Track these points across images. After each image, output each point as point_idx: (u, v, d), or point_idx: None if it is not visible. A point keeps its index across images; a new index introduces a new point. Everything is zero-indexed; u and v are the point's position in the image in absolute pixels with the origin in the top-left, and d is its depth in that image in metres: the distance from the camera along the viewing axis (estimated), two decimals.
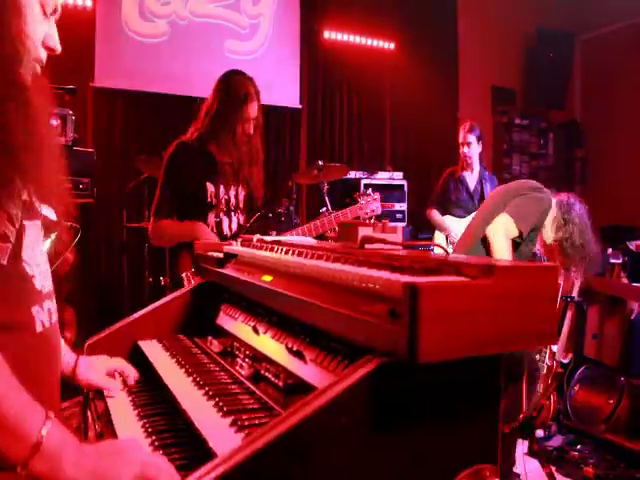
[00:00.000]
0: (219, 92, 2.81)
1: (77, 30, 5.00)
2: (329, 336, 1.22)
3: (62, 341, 1.57)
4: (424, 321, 0.91)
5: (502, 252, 2.72)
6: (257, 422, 1.14)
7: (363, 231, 1.41)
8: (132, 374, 1.63)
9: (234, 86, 2.81)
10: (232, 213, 2.87)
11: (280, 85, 6.05)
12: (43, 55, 1.24)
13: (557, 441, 3.83)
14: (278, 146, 6.17)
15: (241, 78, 2.85)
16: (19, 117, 1.08)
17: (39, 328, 1.19)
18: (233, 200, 2.87)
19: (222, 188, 2.82)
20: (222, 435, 1.11)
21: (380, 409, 0.95)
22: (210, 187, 2.79)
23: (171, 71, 5.66)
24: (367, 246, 1.40)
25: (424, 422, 1.00)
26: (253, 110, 2.81)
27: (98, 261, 5.26)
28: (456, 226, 4.75)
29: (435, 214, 4.94)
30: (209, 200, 2.79)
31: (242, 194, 2.92)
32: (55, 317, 1.29)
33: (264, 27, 6.22)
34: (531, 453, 3.68)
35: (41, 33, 1.21)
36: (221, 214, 2.83)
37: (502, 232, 2.75)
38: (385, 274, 1.06)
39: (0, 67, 1.06)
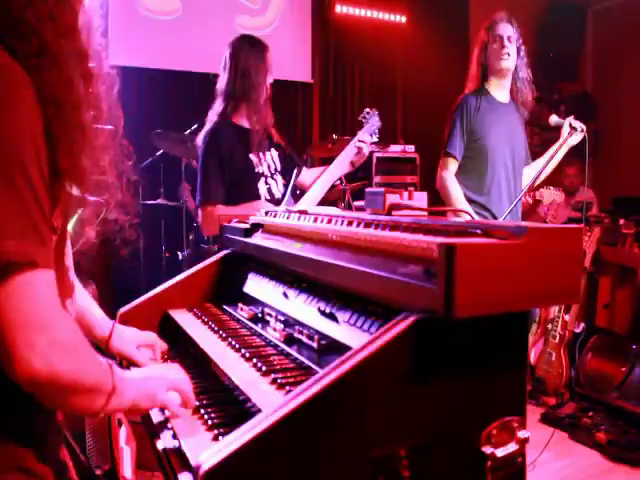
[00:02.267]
0: (239, 54, 2.86)
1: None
2: (361, 299, 1.28)
3: (98, 309, 1.63)
4: (459, 279, 0.96)
5: None
6: (295, 380, 1.20)
7: (390, 198, 1.46)
8: (161, 346, 1.66)
9: (251, 40, 2.93)
10: (274, 176, 2.94)
11: (292, 60, 6.05)
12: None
13: (569, 408, 3.90)
14: (290, 120, 6.19)
15: (250, 35, 3.02)
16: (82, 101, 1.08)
17: None
18: (272, 164, 2.94)
19: (260, 154, 2.89)
20: (263, 393, 1.17)
21: (417, 362, 1.01)
22: (253, 158, 2.85)
23: (183, 48, 5.67)
24: (394, 212, 1.45)
25: (457, 375, 1.06)
26: (271, 60, 2.91)
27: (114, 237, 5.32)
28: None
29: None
30: (257, 170, 2.85)
31: (276, 155, 2.98)
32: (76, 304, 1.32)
33: (275, 2, 6.20)
34: (544, 420, 3.77)
35: None
36: (268, 179, 2.91)
37: None
38: (419, 237, 1.11)
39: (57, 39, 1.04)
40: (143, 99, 5.57)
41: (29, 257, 0.93)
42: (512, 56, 3.25)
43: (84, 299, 1.54)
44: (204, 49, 5.68)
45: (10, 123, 0.94)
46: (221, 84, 2.91)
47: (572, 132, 3.11)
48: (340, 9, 6.54)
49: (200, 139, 2.89)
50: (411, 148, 6.06)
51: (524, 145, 3.43)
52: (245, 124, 2.89)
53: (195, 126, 4.68)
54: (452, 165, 3.26)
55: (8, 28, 0.99)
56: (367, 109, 3.23)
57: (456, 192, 3.18)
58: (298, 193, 2.98)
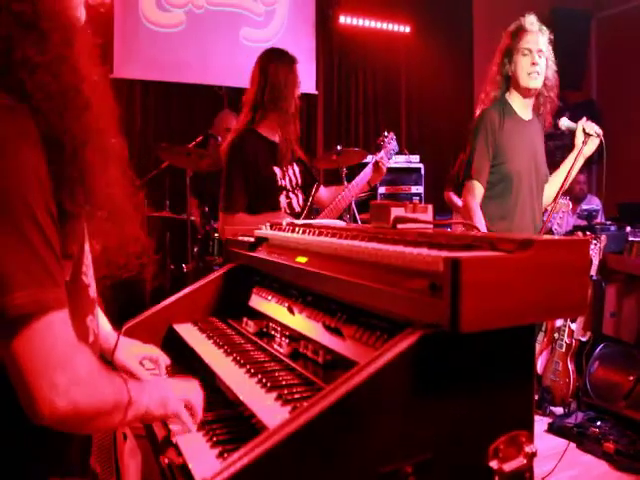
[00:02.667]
0: (268, 66, 2.86)
1: (95, 22, 5.04)
2: (366, 313, 1.27)
3: (106, 320, 1.63)
4: (465, 293, 0.95)
5: None
6: (300, 396, 1.19)
7: (395, 211, 1.45)
8: (164, 361, 1.65)
9: (280, 52, 2.94)
10: (296, 190, 2.95)
11: None
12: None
13: (577, 418, 3.86)
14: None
15: (279, 48, 3.01)
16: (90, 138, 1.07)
17: (91, 338, 1.22)
18: (293, 178, 2.95)
19: (284, 168, 2.90)
20: (269, 409, 1.16)
21: (423, 378, 1.00)
22: (277, 170, 2.86)
23: (188, 60, 5.71)
24: (399, 226, 1.44)
25: (464, 390, 1.05)
26: (299, 74, 2.93)
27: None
28: None
29: (452, 196, 4.96)
30: (279, 183, 2.86)
31: (297, 170, 2.99)
32: (98, 323, 1.32)
33: (280, 14, 6.24)
34: (551, 429, 3.74)
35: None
36: (289, 194, 2.91)
37: None
38: (424, 251, 1.11)
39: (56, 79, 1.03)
40: (148, 111, 5.61)
41: (42, 304, 0.94)
42: (542, 73, 3.00)
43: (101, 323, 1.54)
44: (209, 62, 5.72)
45: (15, 169, 0.94)
46: (249, 95, 2.92)
47: (587, 140, 2.91)
48: (344, 20, 6.56)
49: (225, 147, 2.90)
50: (416, 158, 6.06)
51: (545, 163, 3.20)
52: (271, 136, 2.89)
53: (200, 138, 4.70)
54: (479, 190, 2.95)
55: (8, 71, 0.99)
56: (385, 132, 3.30)
57: (482, 220, 2.90)
58: (315, 209, 3.00)
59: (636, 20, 6.83)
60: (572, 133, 2.99)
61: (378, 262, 1.23)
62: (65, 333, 0.99)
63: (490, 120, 2.97)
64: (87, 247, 1.22)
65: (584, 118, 2.98)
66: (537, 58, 2.98)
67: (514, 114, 3.05)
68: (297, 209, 2.93)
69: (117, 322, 1.81)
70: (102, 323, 1.59)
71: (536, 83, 3.00)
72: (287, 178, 2.91)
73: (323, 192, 3.10)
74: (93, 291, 1.26)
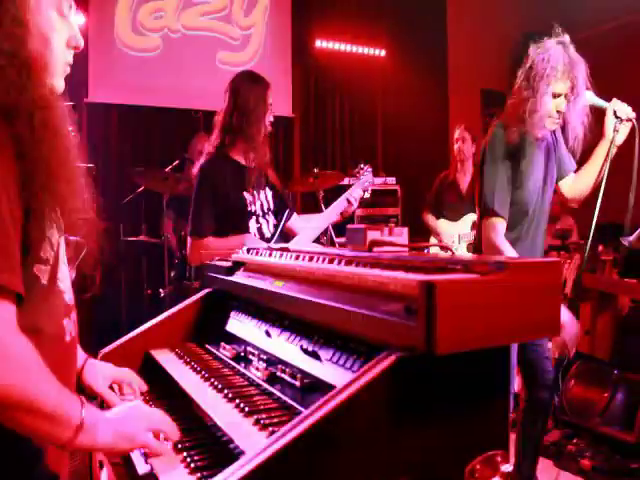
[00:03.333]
0: (239, 89, 2.84)
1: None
2: (343, 336, 1.28)
3: (78, 349, 1.61)
4: (440, 316, 0.97)
5: None
6: (278, 420, 1.19)
7: (371, 235, 1.47)
8: (138, 385, 1.64)
9: (252, 76, 2.92)
10: (266, 215, 2.93)
11: (273, 95, 6.08)
12: (70, 57, 1.27)
13: (554, 436, 3.89)
14: (272, 155, 6.21)
15: (252, 72, 2.99)
16: (48, 138, 1.11)
17: (68, 338, 1.27)
18: (265, 203, 2.93)
19: (255, 193, 2.88)
20: (246, 434, 1.16)
21: (400, 400, 1.01)
22: (247, 196, 2.84)
23: (164, 84, 5.72)
24: (376, 249, 1.46)
25: (441, 411, 1.06)
26: (270, 97, 2.90)
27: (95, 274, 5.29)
28: (449, 229, 4.81)
29: (429, 218, 5.00)
30: (249, 208, 2.84)
31: (269, 195, 2.97)
32: (76, 327, 1.35)
33: (256, 38, 6.29)
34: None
35: (64, 36, 1.24)
36: (260, 219, 2.89)
37: None
38: (400, 274, 1.12)
39: (32, 76, 1.09)
40: (124, 135, 5.61)
41: None
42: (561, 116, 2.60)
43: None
44: (185, 85, 5.74)
45: None
46: (219, 117, 2.90)
47: (618, 126, 2.51)
48: (320, 44, 6.64)
49: (196, 170, 2.88)
50: (392, 180, 6.11)
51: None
52: (242, 160, 2.86)
53: (176, 162, 4.71)
54: (501, 226, 2.51)
55: None
56: (362, 164, 3.28)
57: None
58: (285, 236, 2.99)
59: (603, 44, 7.00)
60: (598, 111, 2.60)
61: (354, 285, 1.24)
62: (5, 314, 1.02)
63: (508, 141, 2.56)
64: (65, 261, 1.28)
65: (615, 100, 2.58)
66: (563, 104, 2.62)
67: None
68: (267, 235, 2.90)
69: (93, 349, 1.80)
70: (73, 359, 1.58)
71: (554, 127, 2.68)
72: (258, 203, 2.89)
73: (294, 221, 3.08)
74: (70, 299, 1.31)
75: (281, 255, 1.70)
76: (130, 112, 5.63)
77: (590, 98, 2.63)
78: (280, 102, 6.25)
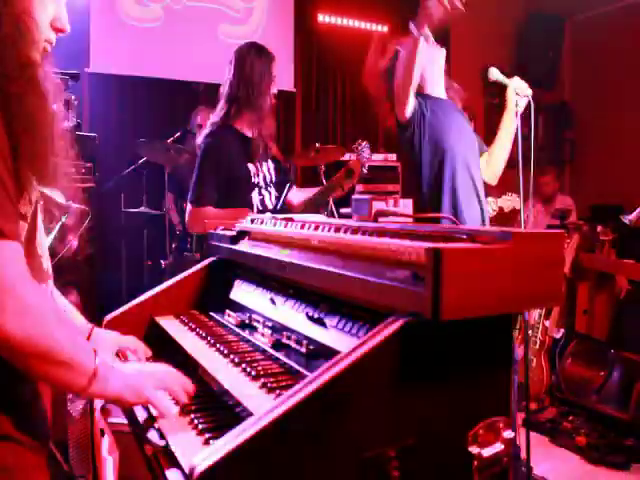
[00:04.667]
0: (244, 60, 2.83)
1: (71, 15, 5.00)
2: (348, 304, 1.30)
3: (78, 314, 1.64)
4: (446, 282, 0.99)
5: None
6: (285, 384, 1.21)
7: (377, 205, 1.48)
8: (144, 352, 1.66)
9: (258, 48, 2.91)
10: (269, 187, 2.95)
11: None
12: (52, 36, 1.27)
13: (550, 413, 3.95)
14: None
15: (258, 44, 2.97)
16: (31, 95, 1.13)
17: None
18: (267, 175, 2.95)
19: (258, 164, 2.89)
20: (254, 397, 1.18)
21: (405, 364, 1.03)
22: (251, 167, 2.86)
23: (166, 55, 5.67)
24: (381, 219, 1.47)
25: (445, 376, 1.09)
26: (276, 69, 2.90)
27: (97, 245, 5.31)
28: None
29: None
30: (253, 180, 2.86)
31: (272, 167, 2.99)
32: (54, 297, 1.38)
33: (258, 11, 6.23)
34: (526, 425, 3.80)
35: (49, 13, 1.24)
36: (262, 190, 2.91)
37: None
38: (406, 242, 1.14)
39: (8, 47, 1.10)
40: (126, 107, 5.58)
41: None
42: None
43: (63, 305, 1.56)
44: (187, 57, 5.70)
45: None
46: (224, 88, 2.90)
47: (519, 101, 2.85)
48: (322, 18, 6.59)
49: (200, 139, 2.89)
50: (393, 157, 6.10)
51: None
52: (246, 131, 2.88)
53: (178, 134, 4.70)
54: None
55: None
56: (359, 140, 3.29)
57: None
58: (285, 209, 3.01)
59: (608, 24, 6.96)
60: (501, 86, 2.90)
61: (361, 254, 1.26)
62: (19, 263, 1.04)
63: None
64: (41, 227, 1.29)
65: (516, 77, 2.89)
66: None
67: None
68: (270, 206, 2.93)
69: (95, 319, 1.81)
70: (75, 317, 1.60)
71: None
72: (261, 175, 2.91)
73: (294, 194, 3.11)
74: (48, 267, 1.32)
75: (286, 224, 1.71)
76: (131, 83, 5.59)
77: (496, 75, 2.88)
78: (282, 76, 6.16)
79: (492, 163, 3.09)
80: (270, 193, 2.95)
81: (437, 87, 2.85)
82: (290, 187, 3.05)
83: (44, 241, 1.30)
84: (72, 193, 1.37)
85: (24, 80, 1.11)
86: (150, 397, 1.21)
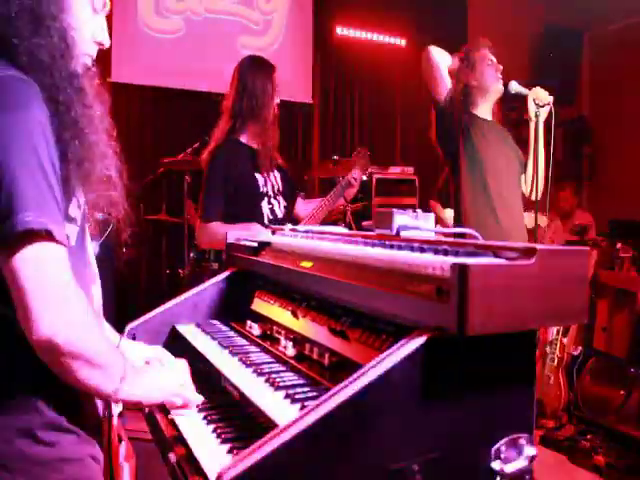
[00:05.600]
0: (246, 74, 2.90)
1: None
2: (370, 317, 1.31)
3: (105, 322, 1.66)
4: (472, 298, 0.99)
5: None
6: (308, 395, 1.22)
7: (399, 219, 1.49)
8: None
9: (258, 61, 2.99)
10: (277, 197, 2.99)
11: (293, 81, 6.12)
12: (93, 50, 1.33)
13: (568, 431, 3.90)
14: (291, 141, 6.25)
15: (258, 56, 3.08)
16: (78, 103, 1.18)
17: (95, 306, 1.33)
18: (275, 184, 2.99)
19: (265, 174, 2.93)
20: (278, 407, 1.18)
21: (430, 379, 1.03)
22: (259, 177, 2.89)
23: (186, 67, 5.74)
24: (402, 233, 1.48)
25: (470, 392, 1.08)
26: (278, 81, 2.95)
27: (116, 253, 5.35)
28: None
29: (436, 207, 5.02)
30: (261, 189, 2.90)
31: (278, 176, 3.02)
32: (101, 298, 1.42)
33: (277, 23, 6.29)
34: (543, 442, 3.77)
35: (91, 29, 1.30)
36: (271, 199, 2.95)
37: None
38: (430, 256, 1.15)
39: (57, 59, 1.16)
40: (146, 116, 5.64)
41: (45, 227, 1.03)
42: None
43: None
44: (207, 68, 5.76)
45: (24, 118, 1.06)
46: (228, 102, 2.95)
47: (539, 110, 2.92)
48: (341, 31, 6.64)
49: (206, 155, 2.93)
50: (410, 170, 6.11)
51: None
52: (251, 143, 2.93)
53: (197, 144, 4.73)
54: None
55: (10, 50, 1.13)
56: (359, 148, 3.35)
57: None
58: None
59: (627, 38, 6.94)
60: (522, 98, 2.99)
61: (384, 267, 1.26)
62: (65, 266, 1.07)
63: None
64: (87, 229, 1.35)
65: (536, 88, 2.97)
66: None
67: None
68: (279, 215, 2.97)
69: (113, 325, 1.83)
70: (103, 325, 1.63)
71: None
72: (269, 184, 2.95)
73: (300, 204, 3.16)
74: (95, 269, 1.38)
75: (307, 236, 1.72)
76: (152, 93, 5.66)
77: (515, 87, 2.99)
78: (300, 88, 6.28)
79: (526, 178, 3.19)
80: (279, 202, 2.99)
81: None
82: (296, 197, 3.08)
83: (90, 245, 1.35)
84: (116, 198, 1.41)
85: (72, 89, 1.16)
86: (174, 393, 1.30)
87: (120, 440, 2.67)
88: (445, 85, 2.99)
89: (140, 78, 5.58)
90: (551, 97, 2.93)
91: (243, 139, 2.93)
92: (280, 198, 3.00)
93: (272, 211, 2.94)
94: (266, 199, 2.93)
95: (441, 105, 3.04)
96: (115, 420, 2.05)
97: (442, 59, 3.06)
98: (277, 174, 3.03)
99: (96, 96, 1.28)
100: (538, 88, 2.97)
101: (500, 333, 1.05)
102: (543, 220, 3.48)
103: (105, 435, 2.42)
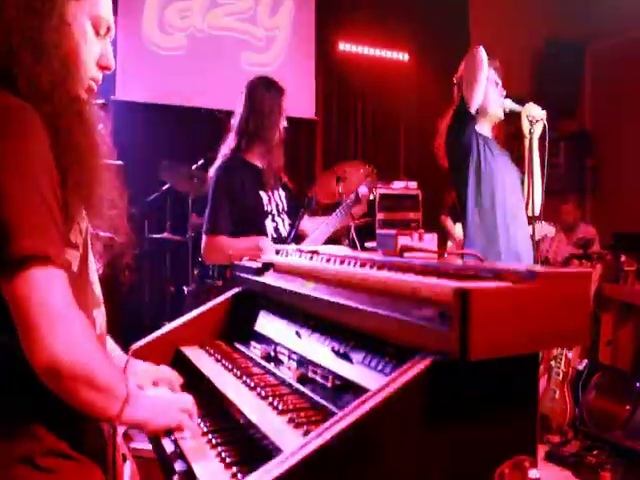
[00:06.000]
0: (254, 94, 2.93)
1: None
2: (373, 339, 1.31)
3: (112, 342, 1.66)
4: (474, 323, 1.00)
5: None
6: (312, 419, 1.22)
7: (402, 240, 1.50)
8: (178, 380, 1.68)
9: (267, 82, 3.00)
10: (281, 215, 3.01)
11: (296, 97, 6.08)
12: (98, 74, 1.34)
13: (574, 447, 3.88)
14: (294, 157, 6.26)
15: (268, 77, 3.07)
16: (78, 129, 1.20)
17: (98, 330, 1.33)
18: (279, 203, 3.01)
19: (270, 193, 2.96)
20: (282, 431, 1.19)
21: (434, 403, 1.04)
22: (264, 195, 2.92)
23: (189, 83, 5.78)
24: (406, 254, 1.49)
25: (473, 415, 1.09)
26: (286, 103, 2.97)
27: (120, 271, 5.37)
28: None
29: (446, 222, 5.03)
30: (266, 208, 2.93)
31: (283, 195, 3.05)
32: (105, 321, 1.43)
33: (280, 39, 6.34)
34: (548, 457, 3.75)
35: (95, 53, 1.32)
36: (275, 217, 2.98)
37: None
38: (432, 280, 1.15)
39: (57, 85, 1.17)
40: (150, 134, 5.66)
41: (44, 252, 1.05)
42: None
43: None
44: (210, 85, 5.80)
45: (24, 146, 1.09)
46: (235, 120, 2.99)
47: (533, 127, 2.92)
48: (343, 47, 6.68)
49: (212, 172, 2.97)
50: (414, 185, 6.11)
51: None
52: (257, 162, 2.97)
53: (201, 161, 4.76)
54: None
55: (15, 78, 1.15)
56: (366, 166, 3.36)
57: None
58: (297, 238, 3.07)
59: (629, 52, 6.96)
60: (515, 115, 3.00)
61: (386, 290, 1.27)
62: (65, 290, 1.08)
63: None
64: (92, 255, 1.36)
65: (529, 103, 2.98)
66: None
67: None
68: (284, 233, 2.99)
69: (118, 345, 1.84)
70: (111, 347, 1.63)
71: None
72: (273, 203, 2.98)
73: (306, 222, 3.17)
74: (99, 291, 1.38)
75: (311, 257, 1.73)
76: (156, 110, 5.68)
77: (509, 105, 3.01)
78: (303, 104, 6.30)
79: (524, 193, 3.17)
80: (283, 220, 3.02)
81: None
82: (302, 216, 3.10)
83: (94, 267, 1.36)
84: (118, 222, 1.42)
85: (72, 115, 1.18)
86: (177, 419, 1.28)
87: (124, 459, 2.67)
88: (482, 91, 2.93)
89: (143, 96, 5.61)
90: (544, 112, 2.93)
91: (248, 158, 2.97)
92: (284, 216, 3.03)
93: (276, 229, 2.96)
94: (270, 217, 2.96)
95: (470, 110, 2.98)
96: (119, 439, 2.05)
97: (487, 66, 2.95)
98: (282, 192, 3.06)
99: (97, 119, 1.30)
100: (531, 104, 2.98)
101: (502, 356, 1.06)
102: (551, 230, 3.51)
103: (109, 455, 2.42)
